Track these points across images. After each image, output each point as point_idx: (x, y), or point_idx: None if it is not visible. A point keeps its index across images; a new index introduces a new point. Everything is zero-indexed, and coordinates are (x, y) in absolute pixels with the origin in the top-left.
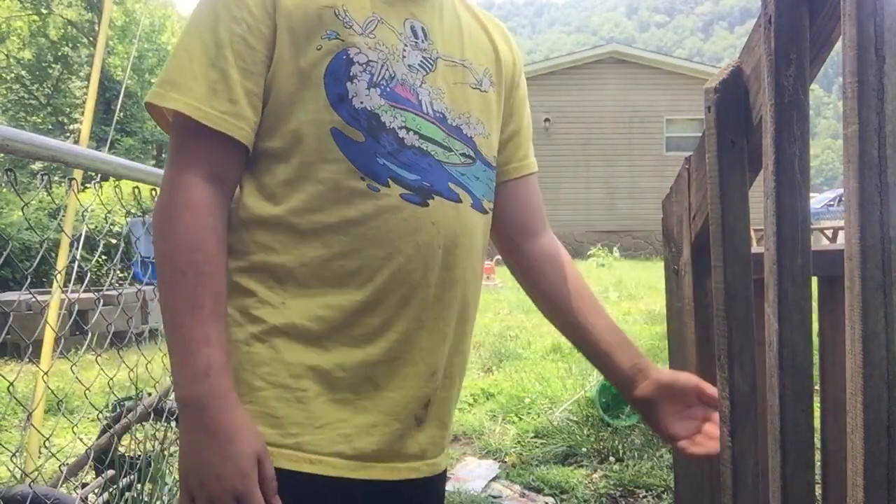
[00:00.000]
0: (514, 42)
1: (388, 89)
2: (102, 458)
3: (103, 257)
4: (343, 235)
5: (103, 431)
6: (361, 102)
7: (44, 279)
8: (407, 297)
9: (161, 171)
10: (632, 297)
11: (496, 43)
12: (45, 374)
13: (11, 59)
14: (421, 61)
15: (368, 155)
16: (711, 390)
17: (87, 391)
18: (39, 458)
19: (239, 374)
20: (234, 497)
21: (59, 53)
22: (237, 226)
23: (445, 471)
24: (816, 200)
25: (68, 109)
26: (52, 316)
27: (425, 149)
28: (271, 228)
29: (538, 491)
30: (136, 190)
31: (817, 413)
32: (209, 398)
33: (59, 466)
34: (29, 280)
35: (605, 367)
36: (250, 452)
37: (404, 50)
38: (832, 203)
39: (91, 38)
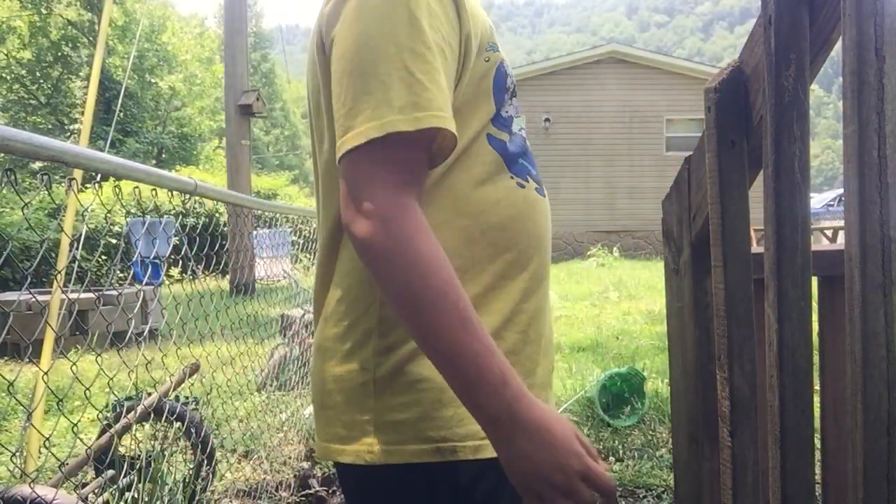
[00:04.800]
0: None
1: (516, 101)
2: (102, 458)
3: (103, 257)
4: (504, 231)
5: (103, 431)
6: (507, 112)
7: (44, 279)
8: (543, 279)
9: (162, 172)
10: (632, 297)
11: None
12: (45, 374)
13: (11, 59)
14: None
15: (512, 155)
16: None
17: (87, 391)
18: (39, 458)
19: (440, 383)
20: (581, 478)
21: (59, 53)
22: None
23: None
24: (816, 200)
25: (68, 109)
26: (53, 316)
27: (531, 149)
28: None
29: None
30: (136, 190)
31: (817, 413)
32: (517, 404)
33: (59, 466)
34: (29, 280)
35: None
36: (570, 433)
37: None
38: (832, 203)
39: (91, 38)
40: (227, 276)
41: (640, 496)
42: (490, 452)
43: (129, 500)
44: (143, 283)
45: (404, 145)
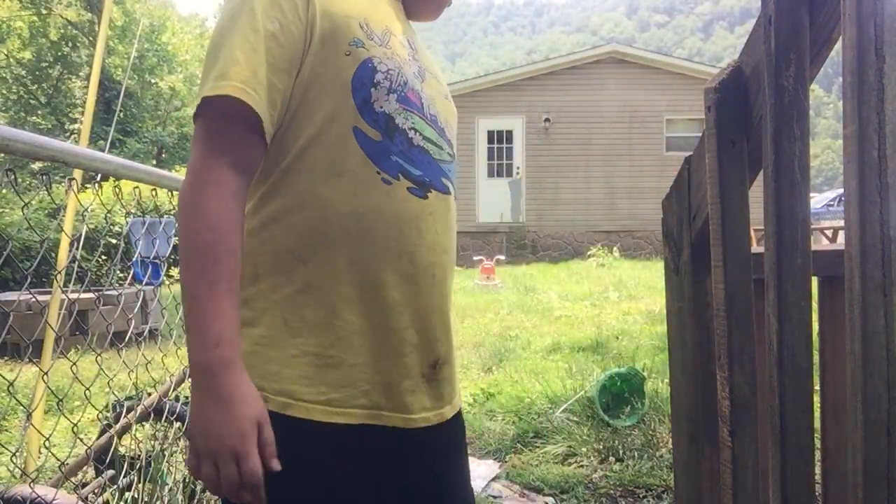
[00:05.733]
0: None
1: (403, 94)
2: (102, 458)
3: (103, 257)
4: (358, 222)
5: (103, 431)
6: (381, 106)
7: (44, 279)
8: (412, 276)
9: (162, 172)
10: (632, 297)
11: None
12: (45, 373)
13: (11, 59)
14: (417, 70)
15: (383, 152)
16: None
17: (87, 391)
18: (39, 458)
19: (276, 344)
20: (232, 454)
21: (59, 53)
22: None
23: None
24: (816, 200)
25: (68, 109)
26: (53, 316)
27: (426, 148)
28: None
29: (538, 491)
30: (136, 190)
31: (817, 413)
32: (217, 366)
33: (59, 466)
34: (29, 280)
35: None
36: (251, 416)
37: (408, 59)
38: (832, 203)
39: (91, 38)
40: None
41: (640, 496)
42: (301, 413)
43: (129, 500)
44: (143, 283)
45: (217, 114)
